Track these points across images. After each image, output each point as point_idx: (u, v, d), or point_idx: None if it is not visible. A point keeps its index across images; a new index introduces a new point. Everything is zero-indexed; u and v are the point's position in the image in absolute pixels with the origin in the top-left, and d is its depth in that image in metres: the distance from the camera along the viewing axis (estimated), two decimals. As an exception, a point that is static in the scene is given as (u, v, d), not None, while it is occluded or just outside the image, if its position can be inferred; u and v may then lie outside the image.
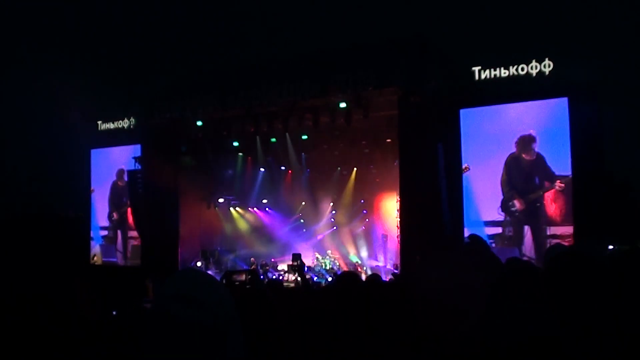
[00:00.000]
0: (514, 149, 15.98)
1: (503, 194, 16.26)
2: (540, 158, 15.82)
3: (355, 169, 24.46)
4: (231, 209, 26.03)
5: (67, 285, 1.84)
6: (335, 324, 3.32)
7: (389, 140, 20.04)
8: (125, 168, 21.58)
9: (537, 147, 15.84)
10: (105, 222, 23.31)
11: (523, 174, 16.06)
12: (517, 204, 16.02)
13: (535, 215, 15.73)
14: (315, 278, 21.56)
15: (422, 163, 16.20)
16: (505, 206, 16.21)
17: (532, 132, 15.92)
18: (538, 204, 15.73)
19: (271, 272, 22.37)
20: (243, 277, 17.05)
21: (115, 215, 23.03)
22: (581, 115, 14.83)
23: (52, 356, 1.76)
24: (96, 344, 1.84)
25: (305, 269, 22.26)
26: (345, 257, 25.36)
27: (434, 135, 16.18)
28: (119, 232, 23.00)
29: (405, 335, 3.10)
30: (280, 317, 3.76)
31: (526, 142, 16.00)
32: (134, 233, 22.31)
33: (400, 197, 17.84)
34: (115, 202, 23.14)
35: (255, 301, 3.76)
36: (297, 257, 21.89)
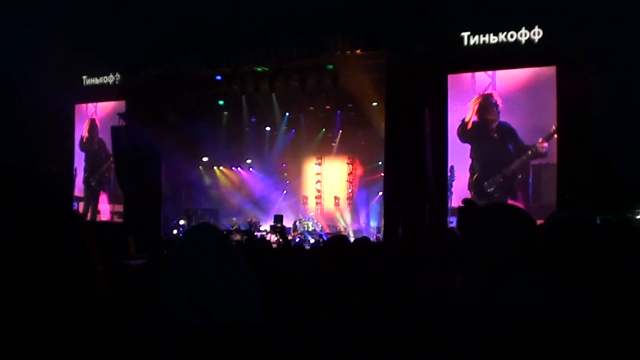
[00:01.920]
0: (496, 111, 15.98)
1: (471, 174, 16.33)
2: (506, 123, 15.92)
3: (340, 131, 24.43)
4: (215, 168, 25.96)
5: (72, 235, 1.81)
6: (330, 283, 3.32)
7: (375, 103, 20.02)
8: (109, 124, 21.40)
9: (501, 109, 15.87)
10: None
11: (492, 144, 16.12)
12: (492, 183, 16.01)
13: (512, 192, 15.74)
14: (297, 240, 21.63)
15: (408, 127, 16.18)
16: (477, 187, 16.25)
17: (493, 92, 15.98)
18: (515, 179, 15.79)
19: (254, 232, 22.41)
20: (239, 237, 17.27)
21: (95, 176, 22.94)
22: (569, 84, 14.81)
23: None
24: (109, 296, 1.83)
25: (289, 230, 22.35)
26: (328, 219, 25.45)
27: (420, 99, 16.14)
28: (99, 192, 22.92)
29: (400, 299, 3.11)
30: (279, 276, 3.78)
31: (488, 103, 16.03)
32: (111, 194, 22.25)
33: (385, 161, 17.85)
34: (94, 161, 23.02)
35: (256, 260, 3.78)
36: (278, 218, 21.92)
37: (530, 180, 15.51)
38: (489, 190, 15.88)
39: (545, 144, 15.21)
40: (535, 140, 15.35)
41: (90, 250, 1.82)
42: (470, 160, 16.24)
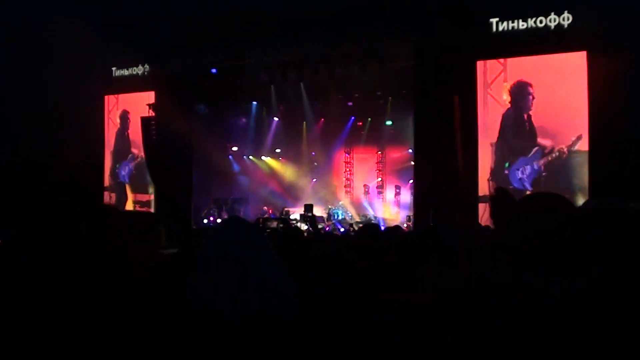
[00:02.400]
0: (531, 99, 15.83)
1: (495, 160, 16.20)
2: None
3: (369, 119, 24.37)
4: (244, 157, 26.02)
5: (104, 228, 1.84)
6: (357, 272, 3.32)
7: (403, 91, 19.98)
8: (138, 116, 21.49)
9: (534, 98, 15.73)
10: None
11: (523, 132, 15.95)
12: (522, 168, 15.87)
13: (537, 183, 15.60)
14: (327, 228, 21.65)
15: (437, 115, 16.11)
16: (501, 176, 16.14)
17: (526, 80, 15.84)
18: (542, 170, 15.62)
19: (285, 222, 22.46)
20: (275, 224, 17.42)
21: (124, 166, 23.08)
22: (599, 70, 14.64)
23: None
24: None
25: (320, 219, 22.41)
26: (358, 208, 25.43)
27: (449, 86, 16.06)
28: (126, 183, 23.06)
29: (431, 286, 3.09)
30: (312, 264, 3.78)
31: (523, 90, 15.89)
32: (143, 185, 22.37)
33: (414, 149, 17.80)
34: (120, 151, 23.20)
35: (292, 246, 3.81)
36: (309, 207, 21.91)
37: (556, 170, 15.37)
38: (519, 177, 15.77)
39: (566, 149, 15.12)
40: (564, 135, 15.22)
41: (126, 240, 1.85)
42: (493, 149, 16.14)
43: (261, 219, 19.95)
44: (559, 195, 2.49)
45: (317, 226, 15.81)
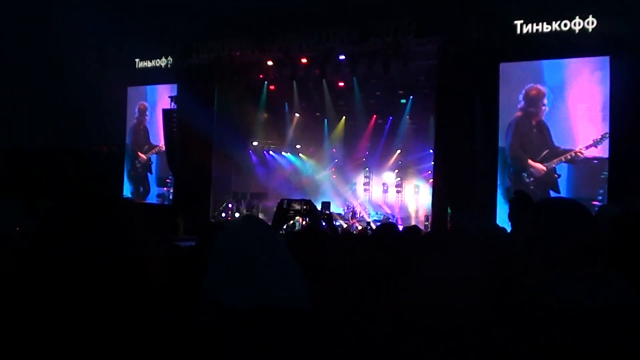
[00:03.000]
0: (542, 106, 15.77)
1: (511, 162, 16.12)
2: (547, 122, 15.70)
3: (391, 118, 24.33)
4: (264, 152, 26.04)
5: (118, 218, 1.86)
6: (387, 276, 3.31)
7: (426, 90, 19.96)
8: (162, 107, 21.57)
9: (546, 105, 15.66)
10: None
11: (536, 137, 15.85)
12: (533, 171, 15.78)
13: (553, 185, 15.49)
14: (345, 226, 21.64)
15: (459, 115, 16.07)
16: (517, 178, 16.01)
17: (541, 87, 15.77)
18: (557, 173, 15.57)
19: (301, 219, 22.43)
20: (298, 206, 17.23)
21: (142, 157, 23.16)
22: (623, 74, 14.54)
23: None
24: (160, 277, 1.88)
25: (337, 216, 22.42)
26: (376, 206, 25.40)
27: (472, 87, 16.02)
28: (147, 174, 23.17)
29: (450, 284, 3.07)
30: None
31: (535, 97, 15.82)
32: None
33: (435, 149, 17.76)
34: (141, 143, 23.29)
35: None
36: (325, 205, 21.89)
37: (570, 174, 15.29)
38: (527, 181, 15.71)
39: (585, 151, 15.01)
40: (580, 138, 15.13)
41: (141, 233, 1.86)
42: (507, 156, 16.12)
43: (285, 201, 19.96)
44: (575, 201, 2.48)
45: (334, 224, 15.80)
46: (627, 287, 2.13)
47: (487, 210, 15.58)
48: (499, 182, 16.04)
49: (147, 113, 22.82)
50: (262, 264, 1.99)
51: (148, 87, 22.82)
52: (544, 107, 15.61)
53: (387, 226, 5.84)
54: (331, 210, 21.95)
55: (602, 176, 14.79)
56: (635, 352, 1.98)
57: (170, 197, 22.27)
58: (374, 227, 19.36)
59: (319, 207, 22.06)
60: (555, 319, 2.03)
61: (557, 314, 2.03)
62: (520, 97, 15.89)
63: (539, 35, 15.87)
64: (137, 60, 22.55)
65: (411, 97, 22.07)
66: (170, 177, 22.08)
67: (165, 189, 22.54)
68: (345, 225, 21.67)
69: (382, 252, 4.09)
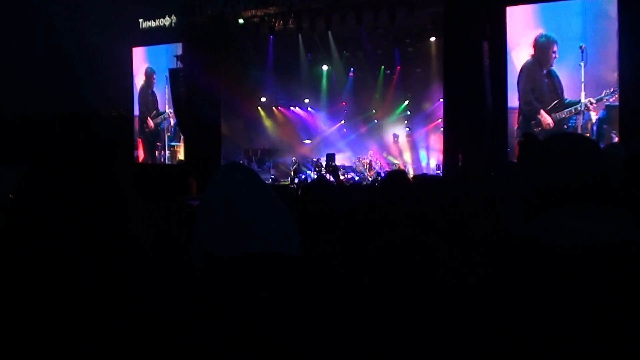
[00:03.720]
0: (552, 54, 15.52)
1: (523, 107, 15.94)
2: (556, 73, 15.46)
3: (398, 68, 24.16)
4: (273, 108, 25.95)
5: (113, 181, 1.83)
6: (379, 216, 3.29)
7: (433, 38, 19.82)
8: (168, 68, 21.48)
9: (556, 52, 15.42)
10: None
11: (546, 86, 15.60)
12: (541, 121, 15.62)
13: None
14: (356, 178, 21.63)
15: (467, 61, 15.94)
16: (526, 128, 15.72)
17: (550, 35, 15.52)
18: (566, 125, 15.35)
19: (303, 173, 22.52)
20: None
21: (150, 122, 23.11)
22: (631, 14, 14.31)
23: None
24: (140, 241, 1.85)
25: (347, 168, 22.45)
26: (386, 157, 25.32)
27: (479, 33, 15.85)
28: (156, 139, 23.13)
29: (458, 234, 3.05)
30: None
31: (544, 45, 15.60)
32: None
33: (444, 96, 17.65)
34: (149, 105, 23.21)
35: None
36: (330, 157, 21.79)
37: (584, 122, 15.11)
38: (535, 130, 15.55)
39: (595, 103, 14.81)
40: (591, 88, 14.91)
41: (126, 188, 1.84)
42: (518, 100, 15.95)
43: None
44: (583, 136, 2.43)
45: (340, 177, 15.79)
46: (632, 224, 2.07)
47: (499, 155, 15.50)
48: (509, 127, 15.92)
49: (155, 77, 22.72)
50: (248, 212, 1.98)
51: (153, 47, 22.69)
52: (554, 55, 15.40)
53: (394, 173, 5.79)
54: (336, 163, 21.93)
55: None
56: (635, 290, 1.93)
57: (182, 157, 22.25)
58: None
59: (324, 160, 22.20)
60: (557, 256, 2.00)
61: (558, 251, 2.00)
62: (530, 44, 15.68)
63: (546, -24, 15.64)
64: (140, 20, 22.40)
65: (418, 45, 21.94)
66: (179, 141, 22.04)
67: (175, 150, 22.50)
68: (357, 178, 21.66)
69: (389, 200, 4.07)
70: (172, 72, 20.61)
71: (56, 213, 1.72)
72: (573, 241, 2.04)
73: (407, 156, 24.95)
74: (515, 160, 10.60)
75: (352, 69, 24.69)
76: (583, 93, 14.92)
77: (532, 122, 15.60)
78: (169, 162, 22.48)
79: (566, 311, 1.94)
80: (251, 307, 1.87)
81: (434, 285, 1.97)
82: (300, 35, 21.63)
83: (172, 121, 22.00)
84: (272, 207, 2.05)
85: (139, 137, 23.26)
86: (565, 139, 2.38)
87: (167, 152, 22.66)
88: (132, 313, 1.71)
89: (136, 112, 23.27)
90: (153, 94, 22.87)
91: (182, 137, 21.82)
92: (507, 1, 16.05)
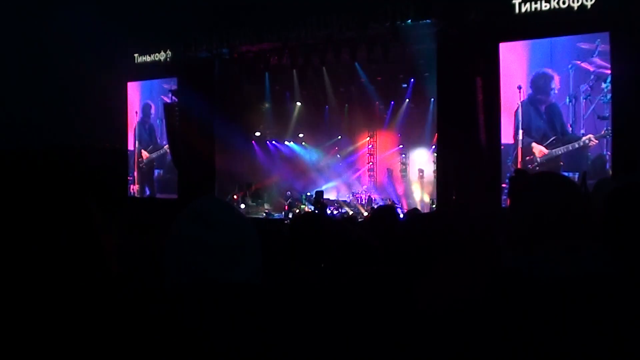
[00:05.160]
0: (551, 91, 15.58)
1: (516, 144, 15.93)
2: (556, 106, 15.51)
3: (392, 102, 24.26)
4: (267, 142, 26.02)
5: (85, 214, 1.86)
6: (373, 255, 3.30)
7: (426, 74, 19.97)
8: (161, 102, 21.57)
9: (556, 89, 15.48)
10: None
11: (544, 124, 15.65)
12: (537, 156, 15.63)
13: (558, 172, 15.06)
14: (351, 213, 21.64)
15: (460, 97, 16.04)
16: (523, 164, 15.71)
17: (548, 70, 15.62)
18: (562, 161, 15.34)
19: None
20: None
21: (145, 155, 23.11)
22: (623, 50, 14.45)
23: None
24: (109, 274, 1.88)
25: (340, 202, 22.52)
26: (381, 192, 25.33)
27: (472, 69, 15.97)
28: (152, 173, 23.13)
29: (445, 267, 3.06)
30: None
31: (542, 80, 15.65)
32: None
33: (437, 132, 17.74)
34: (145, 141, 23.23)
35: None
36: (319, 194, 21.76)
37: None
38: (530, 167, 15.57)
39: (595, 141, 14.85)
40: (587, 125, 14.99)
41: (95, 221, 1.86)
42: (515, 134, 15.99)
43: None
44: (562, 176, 2.54)
45: (326, 213, 15.77)
46: (607, 258, 2.17)
47: (492, 192, 15.52)
48: (502, 164, 15.95)
49: (152, 111, 22.77)
50: (208, 245, 1.99)
51: (148, 82, 22.80)
52: (552, 91, 15.48)
53: (382, 209, 5.82)
54: (334, 197, 21.97)
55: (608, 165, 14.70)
56: (608, 320, 2.00)
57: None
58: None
59: (330, 194, 22.20)
60: (535, 288, 2.06)
61: (536, 283, 2.06)
62: (528, 82, 15.76)
63: (537, 13, 15.76)
64: (135, 55, 22.52)
65: (412, 80, 22.08)
66: (174, 174, 22.03)
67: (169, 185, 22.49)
68: (351, 213, 21.67)
69: (378, 236, 4.09)
70: (166, 106, 20.69)
71: (19, 246, 1.73)
72: (547, 273, 2.12)
73: (401, 190, 24.92)
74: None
75: (346, 104, 24.77)
76: (582, 130, 15.01)
77: (527, 157, 15.61)
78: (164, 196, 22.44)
79: (535, 343, 2.00)
80: (204, 335, 1.89)
81: (405, 319, 1.99)
82: (294, 71, 21.74)
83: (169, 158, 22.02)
84: (232, 236, 2.06)
85: (135, 171, 23.26)
86: (547, 178, 2.49)
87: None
88: (99, 341, 1.73)
89: (130, 146, 23.31)
90: (151, 127, 22.89)
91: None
92: (501, 37, 16.19)
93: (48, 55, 20.61)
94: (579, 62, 15.20)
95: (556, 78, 15.42)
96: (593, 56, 15.03)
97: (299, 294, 2.79)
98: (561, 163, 15.24)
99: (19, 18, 20.00)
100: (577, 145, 15.00)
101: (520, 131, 15.76)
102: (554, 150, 15.31)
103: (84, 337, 1.74)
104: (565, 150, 15.17)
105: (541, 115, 15.55)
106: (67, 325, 1.73)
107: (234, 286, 1.95)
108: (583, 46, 15.25)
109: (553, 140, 15.34)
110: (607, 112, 14.70)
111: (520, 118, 15.76)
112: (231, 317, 1.90)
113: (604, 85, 14.86)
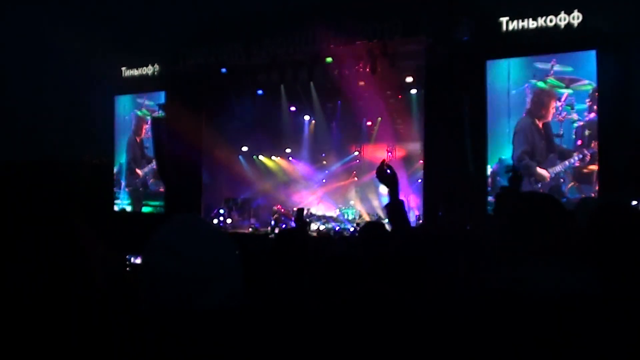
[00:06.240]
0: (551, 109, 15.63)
1: (515, 165, 15.82)
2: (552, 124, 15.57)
3: (379, 119, 24.32)
4: (254, 157, 25.99)
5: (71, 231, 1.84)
6: (360, 271, 3.30)
7: (414, 90, 20.00)
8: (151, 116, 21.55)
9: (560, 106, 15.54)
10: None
11: (542, 142, 15.71)
12: (538, 178, 15.65)
13: (559, 189, 15.32)
14: (337, 228, 21.60)
15: (448, 114, 16.10)
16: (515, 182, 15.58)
17: (550, 89, 15.65)
18: (562, 179, 15.38)
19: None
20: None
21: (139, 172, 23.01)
22: (609, 67, 14.57)
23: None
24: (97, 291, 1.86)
25: (328, 218, 22.50)
26: (368, 207, 25.34)
27: (460, 86, 16.03)
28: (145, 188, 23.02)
29: (433, 283, 3.06)
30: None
31: (545, 100, 15.70)
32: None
33: (424, 149, 17.77)
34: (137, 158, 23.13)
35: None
36: (300, 212, 21.76)
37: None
38: (533, 186, 15.58)
39: (587, 151, 14.91)
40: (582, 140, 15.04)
41: (87, 245, 1.84)
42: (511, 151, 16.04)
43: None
44: (548, 195, 2.57)
45: (307, 231, 15.73)
46: (591, 277, 2.20)
47: (479, 208, 15.55)
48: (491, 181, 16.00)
49: (146, 126, 22.68)
50: (173, 275, 1.96)
51: (136, 95, 22.74)
52: (552, 109, 15.52)
53: (370, 225, 5.82)
54: (316, 214, 21.96)
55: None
56: (592, 338, 2.04)
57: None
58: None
59: (317, 210, 22.18)
60: (520, 307, 2.08)
61: (522, 302, 2.09)
62: (527, 99, 15.80)
63: (524, 31, 15.87)
64: (123, 68, 22.49)
65: (399, 97, 22.14)
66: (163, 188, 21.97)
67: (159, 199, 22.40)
68: (337, 228, 21.64)
69: (366, 251, 4.09)
70: (154, 120, 20.66)
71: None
72: (531, 289, 2.15)
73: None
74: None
75: (334, 120, 24.80)
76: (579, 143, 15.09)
77: (531, 178, 15.59)
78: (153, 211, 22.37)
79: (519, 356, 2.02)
80: None
81: (394, 340, 1.98)
82: (282, 86, 21.77)
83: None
84: (210, 259, 2.02)
85: (127, 188, 23.17)
86: (532, 196, 2.53)
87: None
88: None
89: (121, 160, 23.23)
90: (142, 142, 22.80)
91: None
92: (488, 55, 16.28)
93: (34, 69, 20.57)
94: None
95: (555, 95, 15.47)
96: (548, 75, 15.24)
97: (281, 317, 2.76)
98: (562, 180, 15.27)
99: (2, 33, 19.97)
100: (572, 161, 15.04)
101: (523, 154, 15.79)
102: (552, 169, 15.35)
103: (64, 351, 1.73)
104: (562, 167, 15.22)
105: (539, 133, 15.58)
106: (48, 340, 1.72)
107: (206, 313, 1.92)
108: (540, 66, 15.43)
109: (551, 157, 15.38)
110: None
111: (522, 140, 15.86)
112: (199, 345, 1.87)
113: (558, 103, 15.06)
